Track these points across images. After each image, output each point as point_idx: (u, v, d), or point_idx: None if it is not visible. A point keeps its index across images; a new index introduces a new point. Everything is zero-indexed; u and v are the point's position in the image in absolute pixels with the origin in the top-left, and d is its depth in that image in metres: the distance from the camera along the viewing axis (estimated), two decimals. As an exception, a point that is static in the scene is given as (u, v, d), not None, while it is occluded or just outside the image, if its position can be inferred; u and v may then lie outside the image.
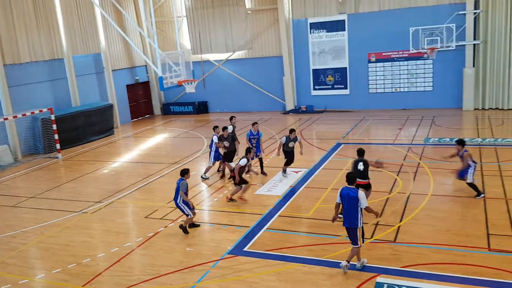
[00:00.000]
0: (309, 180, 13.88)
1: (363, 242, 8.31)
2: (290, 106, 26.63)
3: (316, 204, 11.75)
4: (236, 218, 11.27)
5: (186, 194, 10.47)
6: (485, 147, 15.97)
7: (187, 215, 10.53)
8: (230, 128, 14.90)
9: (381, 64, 24.54)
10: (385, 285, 7.76)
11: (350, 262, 8.27)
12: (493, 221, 9.97)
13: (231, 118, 15.88)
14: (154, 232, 10.77)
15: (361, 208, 8.10)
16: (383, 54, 24.31)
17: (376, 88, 24.98)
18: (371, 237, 9.55)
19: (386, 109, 24.45)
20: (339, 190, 8.37)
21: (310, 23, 25.51)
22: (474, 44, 22.15)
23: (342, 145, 17.72)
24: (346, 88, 25.56)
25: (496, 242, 9.03)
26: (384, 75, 24.67)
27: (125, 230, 11.31)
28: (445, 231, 9.73)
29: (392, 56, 24.20)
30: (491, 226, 9.74)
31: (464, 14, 21.91)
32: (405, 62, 23.99)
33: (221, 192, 13.34)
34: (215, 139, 14.44)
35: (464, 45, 22.14)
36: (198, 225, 10.92)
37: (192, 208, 10.59)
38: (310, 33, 25.63)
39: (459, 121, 21.07)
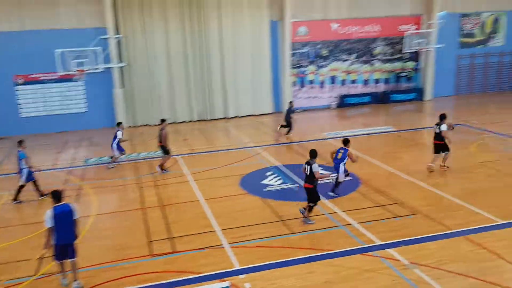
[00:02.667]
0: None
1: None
2: None
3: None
4: None
5: None
6: (141, 161, 17.46)
7: None
8: None
9: (30, 86, 23.16)
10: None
11: None
12: (153, 228, 11.05)
13: None
14: None
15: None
16: (31, 76, 23.03)
17: (29, 112, 23.43)
18: (35, 274, 8.96)
19: (43, 133, 23.27)
20: (51, 211, 7.93)
21: None
22: (121, 66, 23.83)
23: (-7, 178, 15.79)
24: (-8, 114, 22.90)
25: (157, 247, 10.05)
26: (36, 98, 23.40)
27: None
28: (112, 247, 10.13)
29: (41, 78, 23.22)
30: (152, 233, 10.77)
31: (107, 38, 23.25)
32: (56, 84, 23.49)
33: None
34: (119, 134, 16.34)
35: (111, 67, 23.51)
36: None
37: None
38: None
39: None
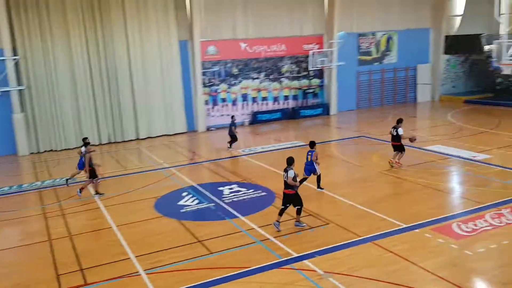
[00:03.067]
0: None
1: None
2: None
3: None
4: None
5: None
6: (45, 189, 16.33)
7: None
8: None
9: None
10: None
11: None
12: (61, 261, 10.34)
13: None
14: None
15: None
16: None
17: None
18: None
19: None
20: None
21: None
22: (21, 89, 22.24)
23: None
24: None
25: (66, 280, 9.41)
26: None
27: None
28: (14, 286, 9.31)
29: None
30: (60, 266, 10.07)
31: (4, 60, 21.64)
32: None
33: None
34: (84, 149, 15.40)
35: (9, 90, 21.87)
36: None
37: None
38: None
39: (16, 168, 20.61)
